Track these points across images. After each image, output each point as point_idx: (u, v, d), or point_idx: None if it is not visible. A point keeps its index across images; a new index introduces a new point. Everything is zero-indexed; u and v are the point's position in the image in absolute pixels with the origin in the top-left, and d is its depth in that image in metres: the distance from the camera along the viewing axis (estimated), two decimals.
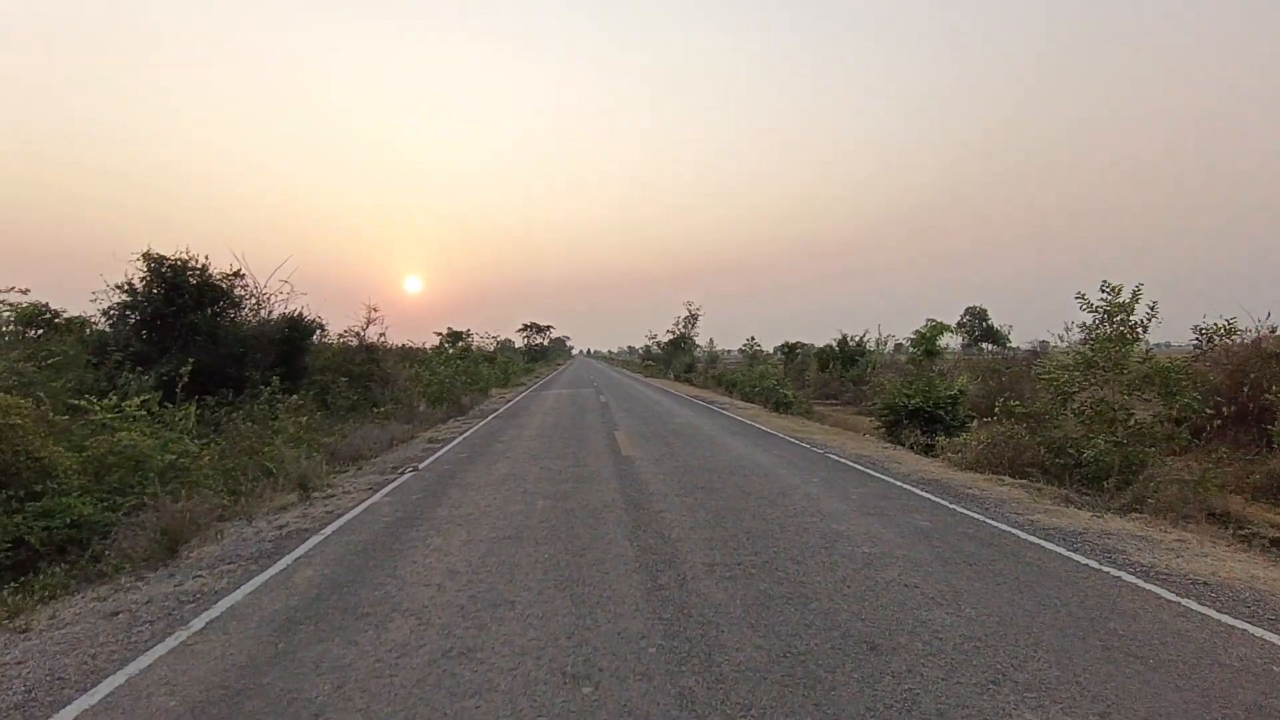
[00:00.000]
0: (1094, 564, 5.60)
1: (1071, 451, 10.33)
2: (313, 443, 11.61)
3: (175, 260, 15.46)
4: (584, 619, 4.39)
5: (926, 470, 10.37)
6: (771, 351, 63.34)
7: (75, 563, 6.22)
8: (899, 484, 9.06)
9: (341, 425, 14.75)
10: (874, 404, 18.75)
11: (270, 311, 18.14)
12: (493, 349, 54.57)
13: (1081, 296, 11.79)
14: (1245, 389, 12.93)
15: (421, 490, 8.72)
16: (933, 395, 15.72)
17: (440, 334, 44.47)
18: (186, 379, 12.47)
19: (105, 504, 7.31)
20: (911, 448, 13.75)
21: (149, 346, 14.51)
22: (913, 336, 39.26)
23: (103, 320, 15.43)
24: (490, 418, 18.91)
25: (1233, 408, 11.91)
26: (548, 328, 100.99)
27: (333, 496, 8.47)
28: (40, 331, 15.22)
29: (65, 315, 15.98)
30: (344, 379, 18.40)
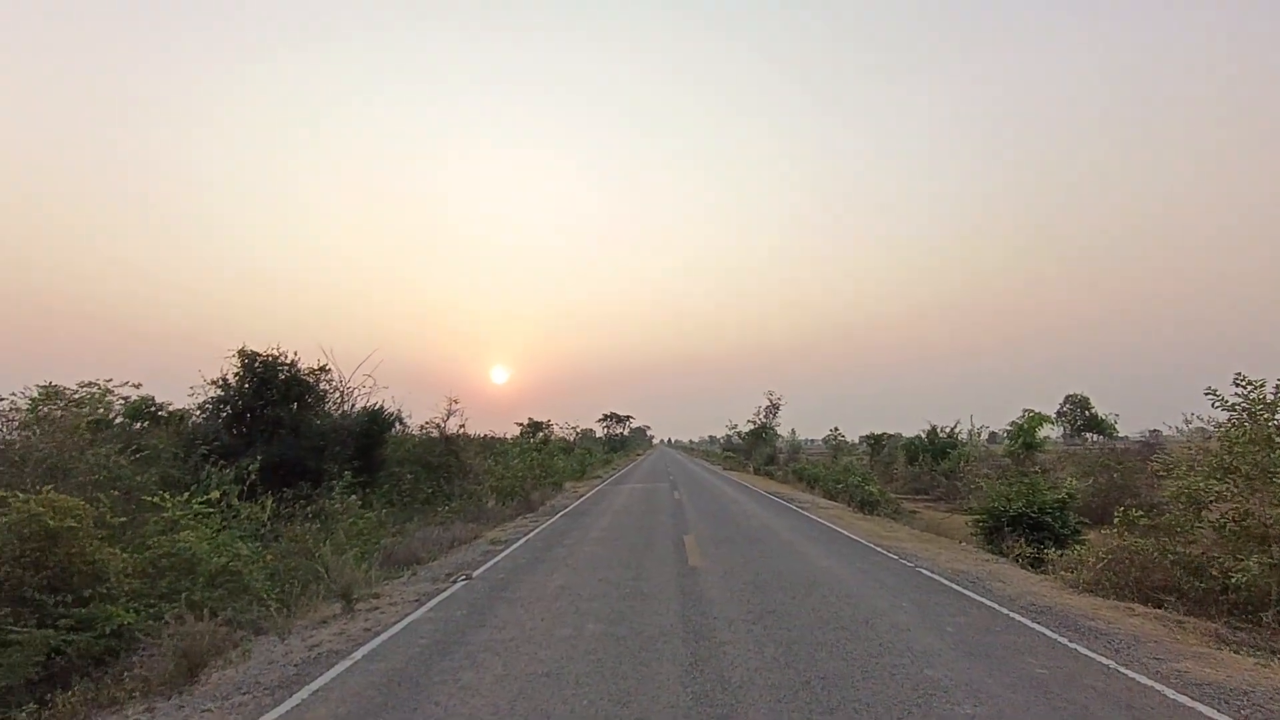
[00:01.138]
0: None
1: (1215, 574, 8.82)
2: (370, 544, 11.32)
3: (267, 356, 16.09)
4: None
5: (1036, 593, 9.02)
6: (856, 442, 60.97)
7: (100, 680, 5.90)
8: (1004, 611, 7.83)
9: (406, 524, 14.51)
10: (968, 504, 17.19)
11: (353, 405, 18.55)
12: (572, 439, 54.63)
13: (1213, 392, 10.39)
14: None
15: (468, 605, 8.12)
16: (1036, 499, 14.15)
17: (521, 424, 44.90)
18: (256, 474, 12.60)
19: (151, 610, 7.07)
20: (1016, 560, 12.23)
21: (236, 439, 14.90)
22: (1009, 428, 36.77)
23: (198, 414, 16.06)
24: (558, 515, 18.33)
25: None
26: (627, 418, 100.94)
27: (376, 609, 7.98)
28: (144, 424, 15.88)
29: (169, 408, 16.69)
30: (413, 473, 18.38)
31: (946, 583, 9.47)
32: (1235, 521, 9.27)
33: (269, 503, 11.86)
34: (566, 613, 7.63)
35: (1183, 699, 5.19)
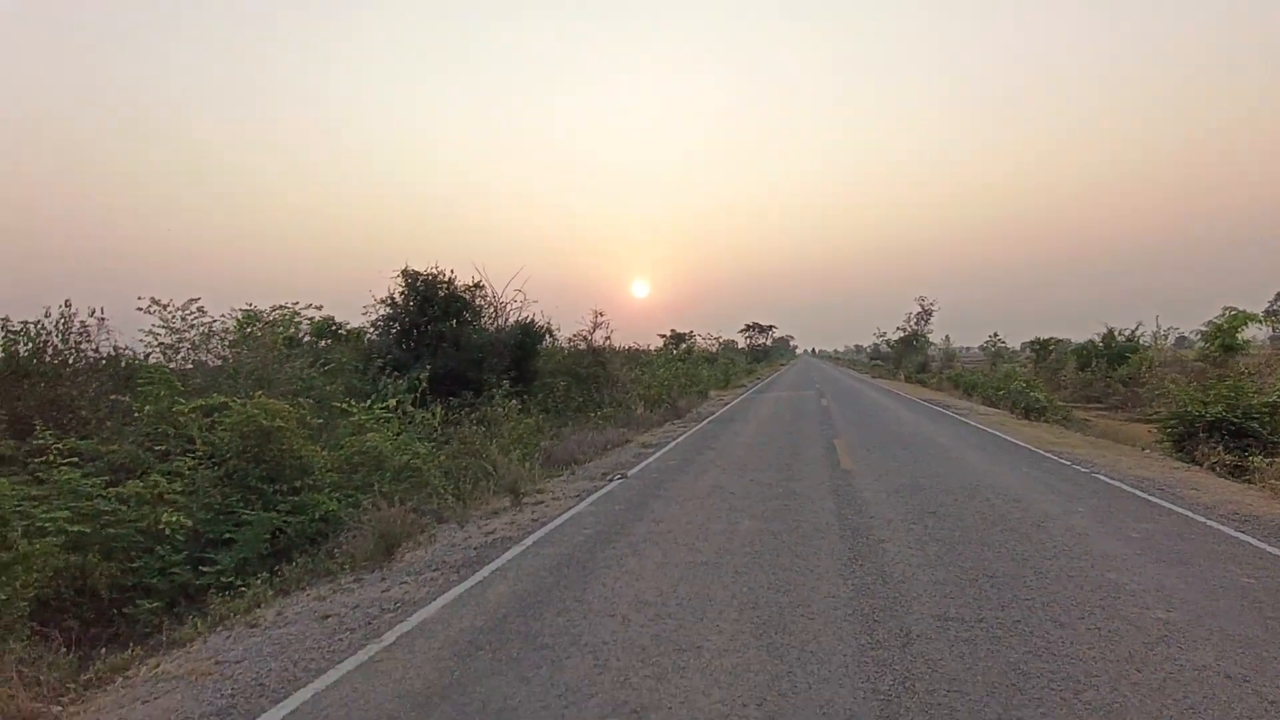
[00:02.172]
0: None
1: None
2: (530, 446, 12.03)
3: (427, 275, 17.17)
4: (780, 680, 3.70)
5: (1239, 501, 8.13)
6: (1018, 349, 56.67)
7: (315, 556, 6.76)
8: (1200, 519, 7.14)
9: (560, 430, 15.24)
10: (1153, 411, 15.56)
11: (505, 319, 19.46)
12: (714, 350, 54.71)
13: None
14: None
15: (626, 501, 8.49)
16: (1241, 402, 12.55)
17: (664, 336, 45.42)
18: (426, 384, 13.66)
19: (349, 500, 7.96)
20: (1212, 468, 11.04)
21: (405, 353, 16.12)
22: (1204, 329, 32.54)
23: (371, 331, 17.53)
24: (706, 421, 18.58)
25: None
26: (770, 328, 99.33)
27: (541, 503, 8.52)
28: (327, 341, 17.54)
29: (346, 327, 18.31)
30: (564, 383, 19.16)
31: (1128, 489, 8.76)
32: None
33: (438, 410, 12.89)
34: (720, 510, 7.79)
35: None
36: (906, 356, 56.26)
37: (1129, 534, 6.58)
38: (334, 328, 18.14)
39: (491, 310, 19.29)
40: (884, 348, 66.12)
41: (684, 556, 6.02)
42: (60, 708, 3.73)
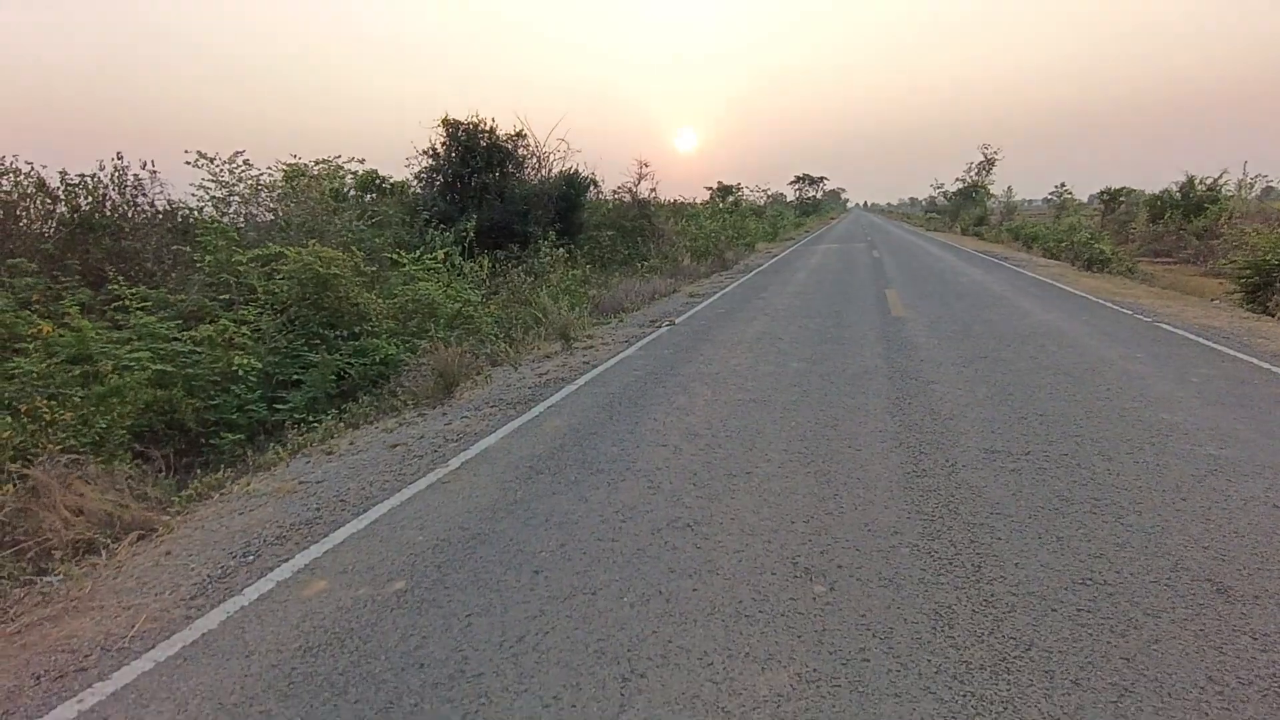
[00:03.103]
0: None
1: None
2: (578, 295, 12.14)
3: (468, 124, 16.77)
4: (826, 502, 3.86)
5: None
6: (1086, 201, 53.58)
7: (379, 395, 7.11)
8: (1266, 366, 6.95)
9: (608, 279, 15.27)
10: (1227, 263, 14.78)
11: (549, 170, 19.07)
12: (763, 203, 53.13)
13: None
14: None
15: (674, 346, 8.61)
16: None
17: (711, 189, 44.12)
18: (473, 234, 13.71)
19: (406, 345, 8.25)
20: None
21: (450, 206, 16.07)
22: None
23: (415, 184, 17.44)
24: (753, 273, 18.37)
25: None
26: (821, 180, 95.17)
27: (591, 348, 8.70)
28: (372, 195, 17.55)
29: (391, 180, 18.22)
30: (609, 236, 18.99)
31: (1192, 337, 8.51)
32: None
33: (485, 262, 12.99)
34: (769, 353, 7.86)
35: None
36: (964, 209, 53.84)
37: (1188, 378, 6.46)
38: (378, 182, 18.07)
39: (535, 161, 18.87)
40: (940, 200, 63.34)
41: (733, 395, 6.15)
42: (168, 517, 4.13)
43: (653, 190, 22.47)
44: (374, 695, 2.43)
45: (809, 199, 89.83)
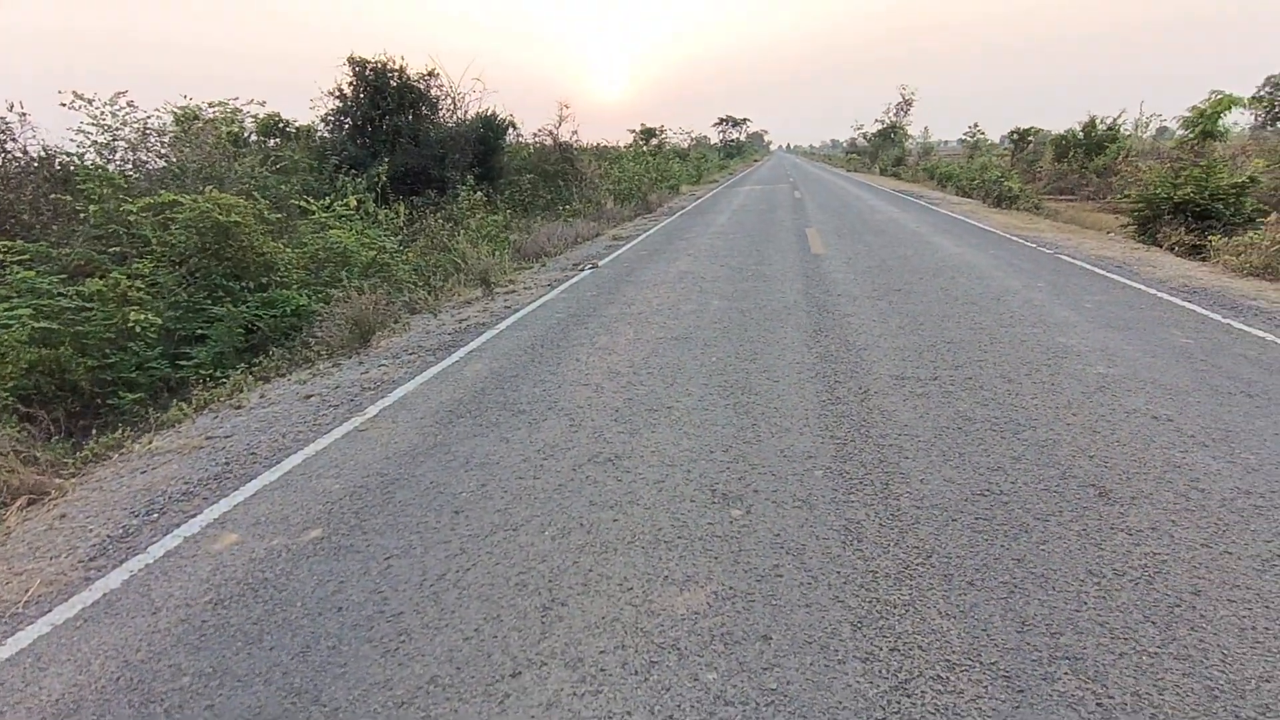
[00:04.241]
0: None
1: None
2: (500, 240, 11.88)
3: (376, 63, 15.95)
4: (745, 431, 3.96)
5: (1191, 276, 8.42)
6: (998, 141, 55.29)
7: (291, 348, 6.83)
8: (1152, 291, 7.41)
9: (530, 224, 14.98)
10: (1124, 197, 15.61)
11: (465, 111, 18.38)
12: (686, 146, 52.76)
13: None
14: None
15: (597, 287, 8.55)
16: (1210, 184, 12.58)
17: (634, 132, 43.48)
18: (386, 180, 13.19)
19: (319, 296, 7.92)
20: (1172, 249, 11.30)
21: (361, 150, 15.35)
22: (1188, 114, 31.63)
23: (323, 128, 16.56)
24: (677, 215, 18.32)
25: None
26: (744, 121, 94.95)
27: (513, 292, 8.56)
28: (275, 140, 16.57)
29: (296, 124, 17.22)
30: (531, 181, 18.58)
31: (1088, 266, 8.98)
32: None
33: (402, 208, 12.54)
34: (691, 292, 7.90)
35: None
36: (883, 150, 54.76)
37: (1083, 304, 6.83)
38: (282, 125, 17.07)
39: (450, 102, 18.16)
40: (861, 141, 64.19)
41: (655, 333, 6.18)
42: (61, 480, 3.90)
43: (574, 133, 22.05)
44: (289, 641, 2.39)
45: (732, 142, 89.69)
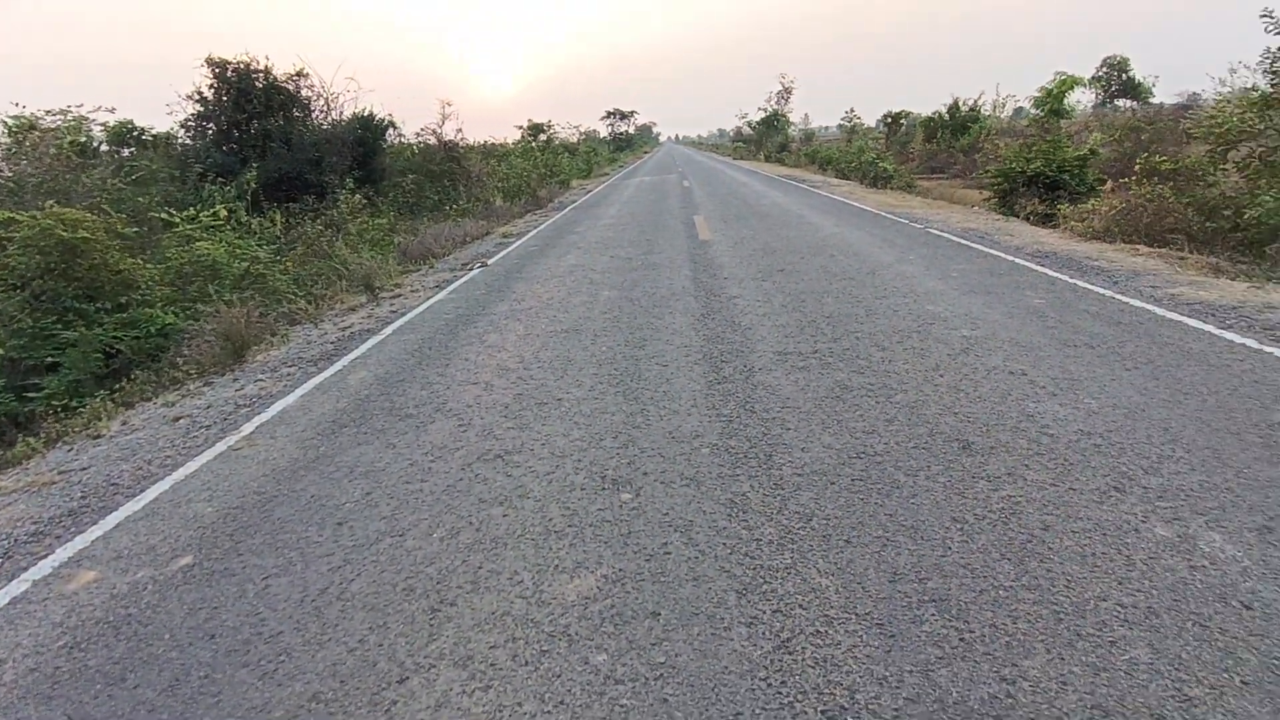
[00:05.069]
0: (1252, 343, 4.66)
1: (1228, 213, 8.76)
2: (384, 244, 11.50)
3: (238, 64, 15.11)
4: (634, 417, 4.00)
5: (1043, 242, 9.13)
6: (874, 125, 57.97)
7: (158, 369, 6.39)
8: (1009, 258, 7.98)
9: (417, 226, 14.58)
10: (986, 173, 16.76)
11: (340, 112, 17.64)
12: (575, 140, 52.59)
13: (1268, 15, 9.42)
14: None
15: (487, 286, 8.42)
16: (1056, 157, 13.68)
17: (521, 128, 42.92)
18: (256, 186, 12.53)
19: (187, 312, 7.44)
20: (1027, 219, 12.20)
21: (228, 157, 14.50)
22: (1038, 94, 34.15)
23: (183, 134, 15.54)
24: (567, 209, 18.26)
25: None
26: (631, 114, 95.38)
27: (399, 296, 8.31)
28: (130, 149, 15.41)
29: (153, 132, 16.07)
30: (416, 182, 18.07)
31: (954, 238, 9.57)
32: (1261, 159, 8.99)
33: (277, 216, 11.94)
34: (581, 285, 7.90)
35: (1171, 314, 5.43)
36: (768, 137, 56.40)
37: (949, 274, 7.27)
38: (136, 133, 15.90)
39: (323, 103, 17.38)
40: (746, 130, 65.85)
41: (545, 327, 6.15)
42: None
43: (459, 131, 21.55)
44: (156, 677, 2.25)
45: (622, 134, 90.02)
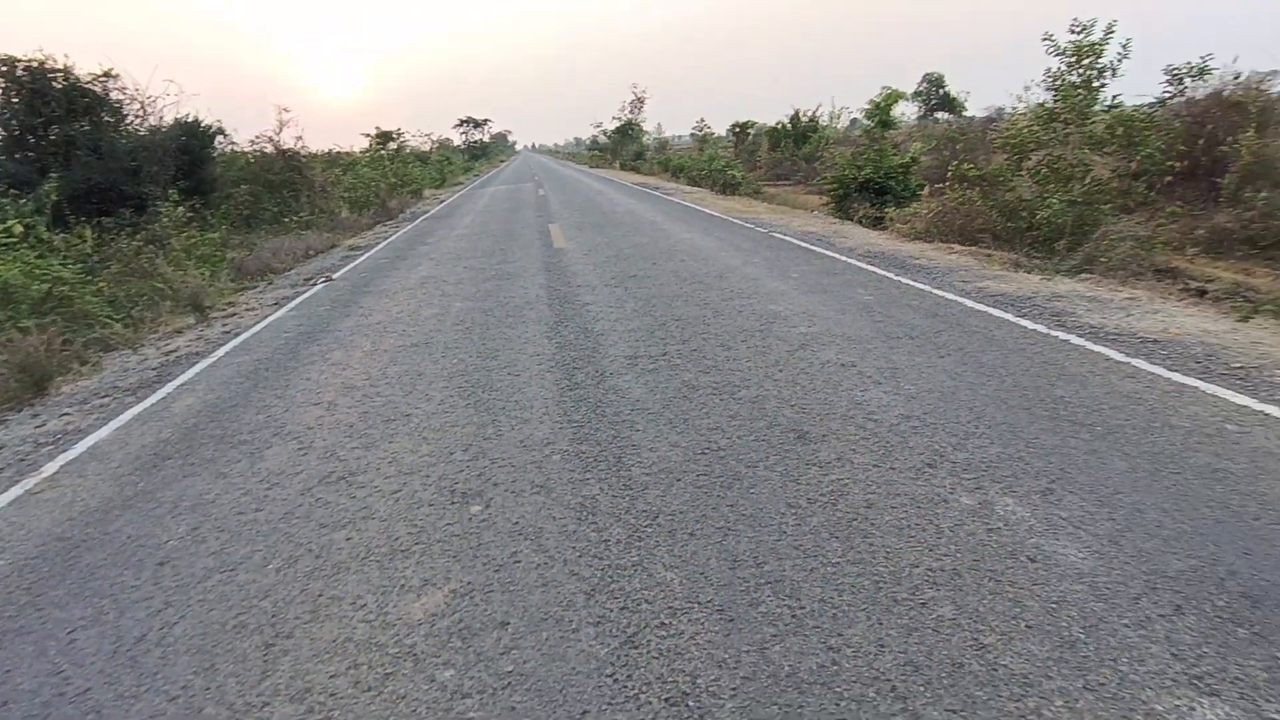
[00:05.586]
0: (1042, 328, 5.28)
1: (1024, 214, 9.87)
2: (216, 259, 10.68)
3: (30, 62, 13.51)
4: (485, 428, 3.96)
5: (874, 243, 9.90)
6: (724, 135, 60.38)
7: None
8: (844, 259, 8.59)
9: (254, 240, 13.65)
10: (824, 179, 17.95)
11: (160, 117, 16.20)
12: (428, 149, 51.11)
13: (1049, 38, 10.71)
14: (1201, 141, 12.26)
15: (332, 301, 8.02)
16: (883, 165, 14.91)
17: (369, 135, 41.19)
18: (61, 201, 11.30)
19: None
20: (860, 222, 13.19)
21: (24, 166, 12.97)
22: (868, 106, 36.91)
23: None
24: (420, 220, 17.73)
25: (1185, 162, 11.42)
26: (485, 122, 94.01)
27: (233, 315, 7.75)
28: None
29: None
30: (252, 193, 16.91)
31: (795, 241, 10.15)
32: (1048, 166, 10.19)
33: (88, 232, 10.78)
34: (433, 296, 7.71)
35: (978, 306, 6.04)
36: (623, 146, 57.36)
37: (790, 274, 7.71)
38: None
39: (138, 107, 15.89)
40: (602, 139, 66.64)
41: (394, 342, 5.95)
42: None
43: (299, 139, 20.33)
44: None
45: (476, 143, 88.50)
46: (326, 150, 27.81)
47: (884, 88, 37.40)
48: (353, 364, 5.42)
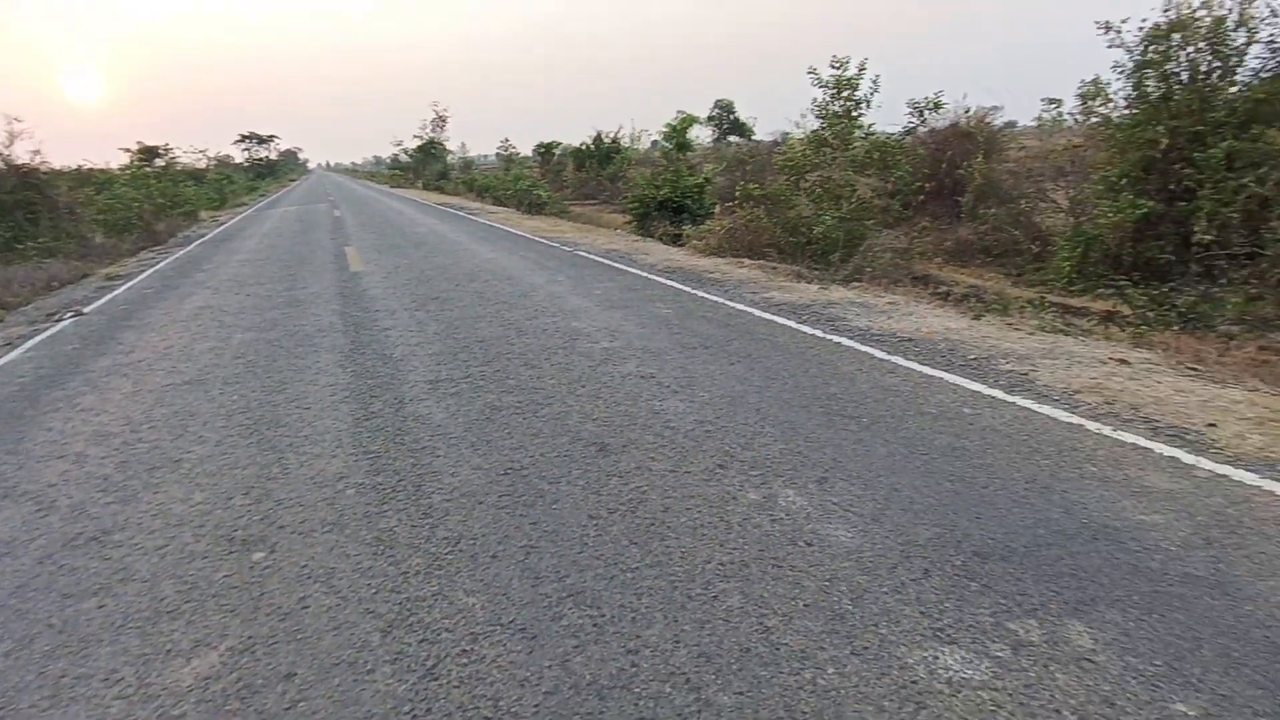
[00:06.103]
0: (819, 333, 5.82)
1: (804, 230, 10.84)
2: None
3: None
4: (270, 468, 3.66)
5: (673, 260, 10.40)
6: (529, 155, 60.53)
7: None
8: (644, 275, 8.94)
9: None
10: (627, 199, 18.60)
11: None
12: (204, 166, 46.45)
13: (813, 72, 11.89)
14: (944, 165, 14.21)
15: (82, 338, 7.02)
16: (680, 185, 15.74)
17: (129, 150, 36.62)
18: None
19: None
20: (660, 239, 13.81)
21: None
22: (665, 130, 38.70)
23: None
24: (195, 244, 16.06)
25: (933, 183, 13.18)
26: (271, 138, 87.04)
27: None
28: None
29: None
30: None
31: (599, 259, 10.41)
32: (821, 187, 11.27)
33: None
34: (209, 328, 7.00)
35: (764, 315, 6.55)
36: (426, 165, 55.69)
37: (593, 291, 7.89)
38: None
39: None
40: (403, 157, 64.26)
41: (160, 381, 5.33)
42: None
43: (37, 153, 17.60)
44: None
45: (261, 160, 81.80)
46: (76, 166, 24.45)
47: (679, 112, 39.37)
48: (108, 409, 4.78)
